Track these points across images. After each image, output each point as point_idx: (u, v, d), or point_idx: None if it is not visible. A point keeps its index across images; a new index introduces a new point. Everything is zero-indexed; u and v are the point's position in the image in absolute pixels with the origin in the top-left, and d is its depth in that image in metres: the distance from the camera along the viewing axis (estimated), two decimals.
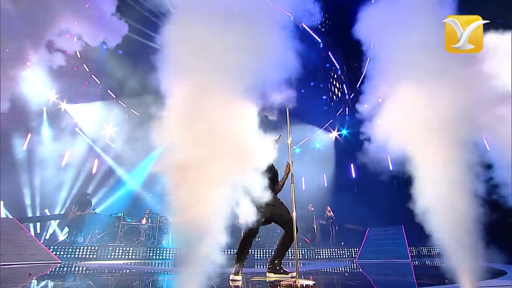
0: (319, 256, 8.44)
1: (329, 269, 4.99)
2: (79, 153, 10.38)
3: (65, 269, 4.57)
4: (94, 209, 8.16)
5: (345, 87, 11.34)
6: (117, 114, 11.18)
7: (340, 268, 5.21)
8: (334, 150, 13.52)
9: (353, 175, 12.77)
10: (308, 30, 10.33)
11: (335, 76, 12.06)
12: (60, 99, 10.40)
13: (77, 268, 4.74)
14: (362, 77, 11.19)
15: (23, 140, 9.72)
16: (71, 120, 10.47)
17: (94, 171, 10.91)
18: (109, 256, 6.89)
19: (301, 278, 2.60)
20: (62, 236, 8.75)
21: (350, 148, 12.82)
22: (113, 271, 4.44)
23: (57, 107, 10.20)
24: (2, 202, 9.36)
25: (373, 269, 5.10)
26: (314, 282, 2.51)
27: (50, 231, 9.86)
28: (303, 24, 10.17)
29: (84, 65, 10.08)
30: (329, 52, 10.58)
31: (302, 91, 13.38)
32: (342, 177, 12.98)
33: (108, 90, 11.04)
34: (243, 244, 3.27)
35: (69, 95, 10.23)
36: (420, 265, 5.59)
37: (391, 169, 12.26)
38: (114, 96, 11.14)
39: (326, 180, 13.65)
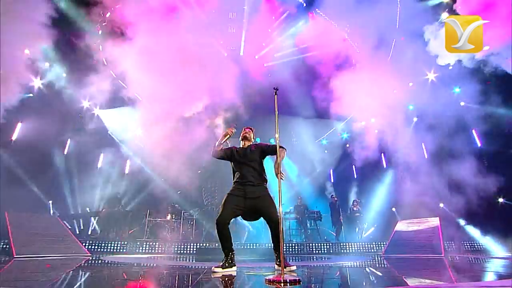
0: (345, 251, 8.13)
1: (343, 264, 4.75)
2: (112, 155, 11.15)
3: (84, 262, 4.93)
4: (123, 207, 8.74)
5: None
6: (144, 115, 11.75)
7: (356, 263, 4.93)
8: (363, 140, 12.82)
9: (385, 165, 12.02)
10: (324, 16, 9.82)
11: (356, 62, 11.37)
12: (93, 105, 11.28)
13: (95, 262, 5.09)
14: (388, 59, 10.45)
15: (64, 145, 10.75)
16: (103, 124, 11.28)
17: (127, 172, 11.66)
18: (137, 251, 7.33)
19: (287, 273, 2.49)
20: (100, 232, 9.51)
21: (380, 137, 12.09)
22: (125, 264, 4.68)
23: (91, 113, 11.05)
24: (50, 202, 10.45)
25: (391, 264, 4.75)
26: (299, 278, 2.39)
27: (91, 228, 10.77)
28: (316, 10, 9.71)
29: (111, 71, 10.75)
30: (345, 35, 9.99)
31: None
32: (372, 167, 12.30)
33: (135, 93, 11.64)
34: (218, 237, 3.22)
35: (100, 100, 11.00)
36: (451, 261, 5.09)
37: (426, 157, 11.35)
38: (141, 99, 11.71)
39: (356, 171, 13.07)
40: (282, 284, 2.25)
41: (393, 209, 10.42)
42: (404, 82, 10.09)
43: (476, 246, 8.56)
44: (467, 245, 8.55)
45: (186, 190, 10.96)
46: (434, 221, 6.98)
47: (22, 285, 2.40)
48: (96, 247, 7.30)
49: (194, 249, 7.51)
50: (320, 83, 11.30)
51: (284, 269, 3.07)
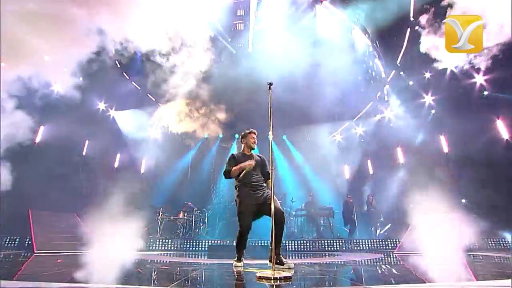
0: (358, 248, 7.93)
1: (351, 261, 4.63)
2: (128, 155, 11.51)
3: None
4: (138, 205, 8.97)
5: (380, 65, 10.22)
6: (158, 115, 12.05)
7: (364, 260, 4.79)
8: (378, 134, 12.45)
9: (400, 160, 11.60)
10: (329, 6, 9.54)
11: (368, 54, 10.98)
12: (109, 107, 11.66)
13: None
14: (402, 51, 10.03)
15: (82, 146, 11.20)
16: (119, 125, 11.65)
17: (142, 171, 12.00)
18: (150, 248, 7.52)
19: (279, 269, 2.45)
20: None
21: (396, 131, 11.68)
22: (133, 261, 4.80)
23: (106, 115, 11.44)
24: (69, 201, 10.92)
25: (399, 262, 4.57)
26: (290, 274, 2.34)
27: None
28: (323, 2, 9.46)
29: (124, 73, 11.07)
30: (356, 27, 9.64)
31: None
32: (388, 162, 11.92)
33: (148, 94, 11.94)
34: (240, 242, 3.41)
35: (115, 102, 11.37)
36: (465, 259, 4.83)
37: (445, 151, 10.84)
38: (154, 99, 12.01)
39: (371, 166, 12.71)
40: (272, 281, 2.22)
41: (411, 205, 10.03)
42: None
43: (502, 244, 8.09)
44: (492, 243, 8.10)
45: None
46: (453, 218, 6.66)
47: (43, 279, 2.58)
48: None
49: (206, 247, 7.61)
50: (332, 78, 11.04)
51: (282, 266, 3.06)
